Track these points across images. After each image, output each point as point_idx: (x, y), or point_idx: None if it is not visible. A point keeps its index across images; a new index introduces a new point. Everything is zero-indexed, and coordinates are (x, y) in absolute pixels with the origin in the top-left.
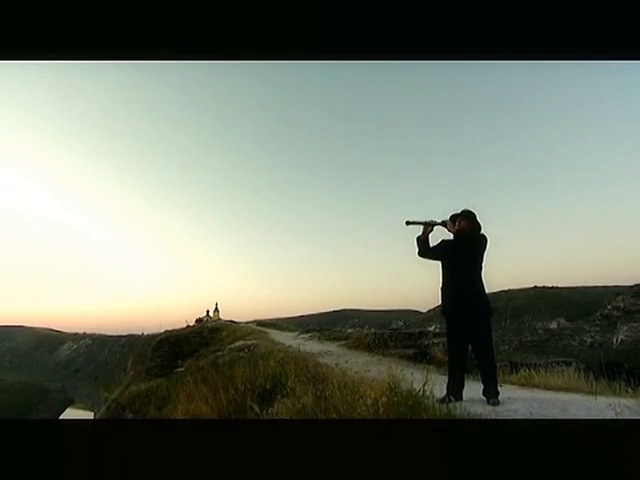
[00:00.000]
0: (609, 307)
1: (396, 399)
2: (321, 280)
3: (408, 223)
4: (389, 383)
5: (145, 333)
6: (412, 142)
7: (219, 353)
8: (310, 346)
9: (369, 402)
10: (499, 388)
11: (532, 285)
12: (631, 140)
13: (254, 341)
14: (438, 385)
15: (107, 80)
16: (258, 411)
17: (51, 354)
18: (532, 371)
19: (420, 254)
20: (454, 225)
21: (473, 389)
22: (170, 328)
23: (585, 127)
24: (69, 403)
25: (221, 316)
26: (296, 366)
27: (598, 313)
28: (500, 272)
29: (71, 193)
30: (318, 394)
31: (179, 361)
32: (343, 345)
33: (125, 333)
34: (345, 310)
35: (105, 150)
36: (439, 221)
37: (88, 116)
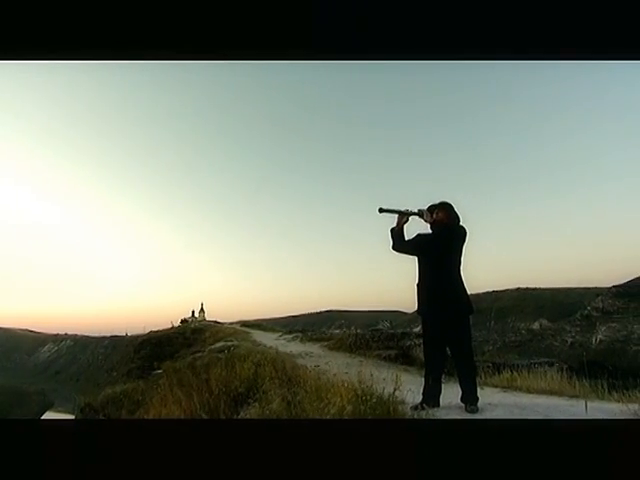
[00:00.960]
0: (589, 308)
1: (362, 407)
2: (308, 281)
3: (381, 210)
4: (355, 391)
5: (129, 334)
6: (401, 143)
7: (198, 354)
8: (291, 347)
9: (332, 411)
10: (480, 391)
11: (516, 286)
12: (616, 141)
13: (234, 342)
14: (416, 388)
15: (95, 80)
16: (229, 416)
17: (30, 356)
18: (515, 373)
19: (394, 248)
20: (431, 216)
21: (453, 393)
22: (155, 329)
23: (569, 128)
24: (49, 406)
25: (208, 317)
26: (272, 368)
27: (578, 314)
28: (484, 273)
29: (52, 193)
30: (288, 399)
31: (155, 363)
32: (325, 346)
33: (108, 334)
34: (332, 311)
35: (90, 149)
36: (415, 210)
37: (77, 117)
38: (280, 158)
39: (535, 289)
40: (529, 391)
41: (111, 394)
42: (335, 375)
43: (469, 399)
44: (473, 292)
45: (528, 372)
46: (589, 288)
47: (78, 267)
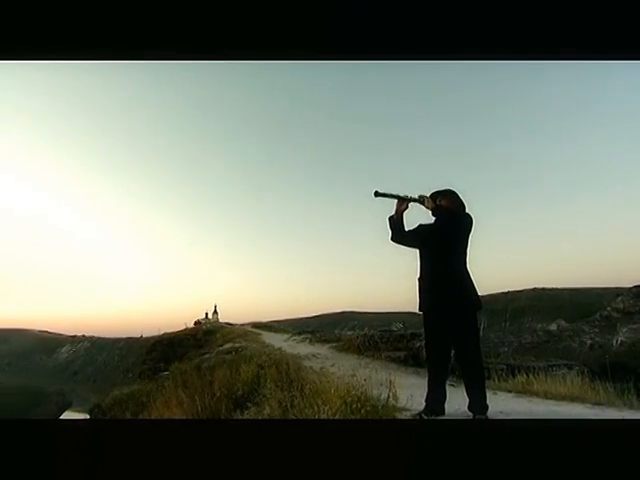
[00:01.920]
0: (609, 308)
1: (352, 417)
2: (323, 282)
3: (377, 194)
4: (344, 398)
5: (144, 335)
6: (408, 141)
7: (206, 356)
8: (300, 348)
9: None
10: (492, 396)
11: (532, 286)
12: (634, 138)
13: (242, 343)
14: (421, 393)
15: (98, 79)
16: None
17: (49, 357)
18: (531, 376)
19: (393, 238)
20: (433, 203)
21: (462, 398)
22: (169, 331)
23: (587, 127)
24: (67, 406)
25: (222, 318)
26: (276, 370)
27: (598, 314)
28: (500, 273)
29: (69, 195)
30: (285, 404)
31: (162, 364)
32: (334, 347)
33: (124, 335)
34: (346, 312)
35: (99, 150)
36: (415, 196)
37: (81, 116)
38: (292, 158)
39: (552, 289)
40: (547, 396)
41: (118, 396)
42: (340, 378)
43: (477, 407)
44: (488, 292)
45: (545, 375)
46: (608, 288)
47: (99, 269)
